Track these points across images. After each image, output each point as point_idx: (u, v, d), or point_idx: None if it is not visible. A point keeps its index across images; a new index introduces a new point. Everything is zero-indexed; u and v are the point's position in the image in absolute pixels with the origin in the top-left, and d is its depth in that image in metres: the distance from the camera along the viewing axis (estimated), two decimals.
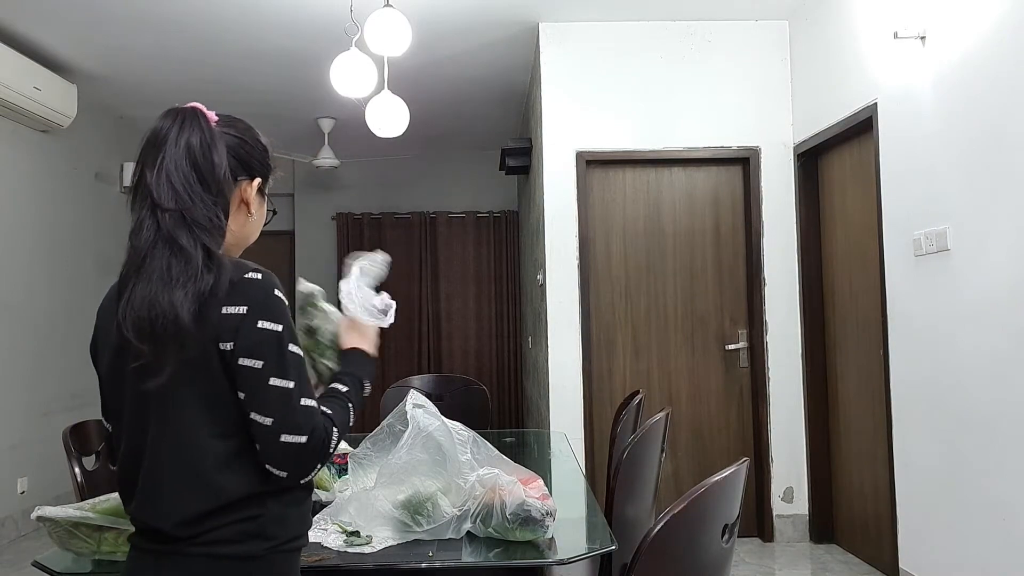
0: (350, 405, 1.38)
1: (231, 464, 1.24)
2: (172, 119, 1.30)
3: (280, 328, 1.24)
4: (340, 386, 1.41)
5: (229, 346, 1.22)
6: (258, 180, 1.40)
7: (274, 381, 1.22)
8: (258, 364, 1.22)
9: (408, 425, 1.89)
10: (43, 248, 5.19)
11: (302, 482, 1.28)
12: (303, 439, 1.23)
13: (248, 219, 1.40)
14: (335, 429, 1.30)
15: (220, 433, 1.24)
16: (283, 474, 1.24)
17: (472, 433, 1.94)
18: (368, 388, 1.45)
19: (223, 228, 1.30)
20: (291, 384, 1.24)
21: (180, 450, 1.24)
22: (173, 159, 1.27)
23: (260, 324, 1.23)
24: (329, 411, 1.31)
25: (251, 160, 1.39)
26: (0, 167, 4.79)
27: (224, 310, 1.22)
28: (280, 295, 1.28)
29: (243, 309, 1.23)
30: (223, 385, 1.23)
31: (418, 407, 1.91)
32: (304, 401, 1.25)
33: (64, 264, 5.39)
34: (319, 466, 1.28)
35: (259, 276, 1.26)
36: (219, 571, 1.24)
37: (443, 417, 1.92)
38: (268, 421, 1.22)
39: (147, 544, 1.28)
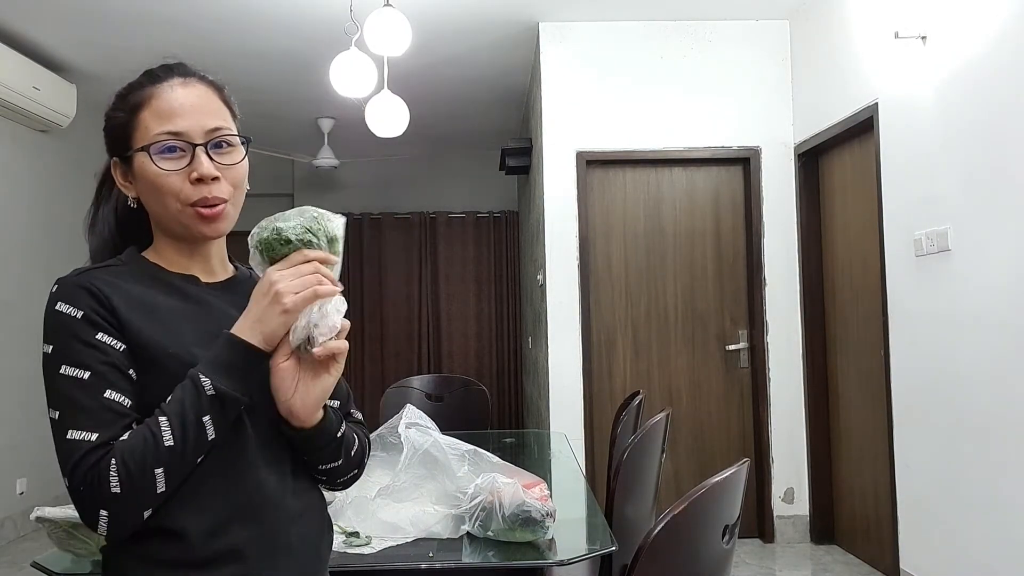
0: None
1: None
2: None
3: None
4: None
5: None
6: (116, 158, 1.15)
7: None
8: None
9: (400, 438, 1.88)
10: (42, 248, 5.19)
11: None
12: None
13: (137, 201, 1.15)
14: None
15: None
16: None
17: (470, 447, 1.93)
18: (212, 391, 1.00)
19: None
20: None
21: None
22: None
23: None
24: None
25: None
26: (0, 167, 4.78)
27: None
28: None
29: None
30: None
31: (411, 426, 1.90)
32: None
33: (63, 264, 5.35)
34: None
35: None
36: None
37: (437, 432, 1.90)
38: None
39: None
